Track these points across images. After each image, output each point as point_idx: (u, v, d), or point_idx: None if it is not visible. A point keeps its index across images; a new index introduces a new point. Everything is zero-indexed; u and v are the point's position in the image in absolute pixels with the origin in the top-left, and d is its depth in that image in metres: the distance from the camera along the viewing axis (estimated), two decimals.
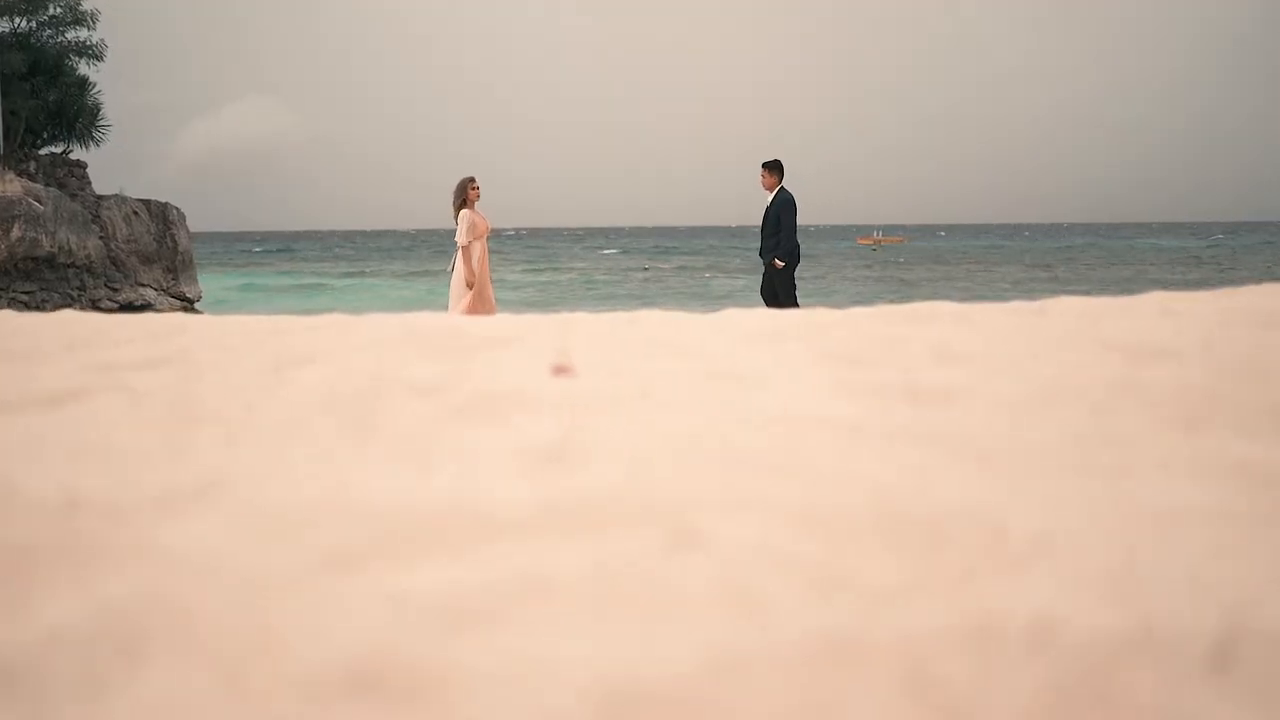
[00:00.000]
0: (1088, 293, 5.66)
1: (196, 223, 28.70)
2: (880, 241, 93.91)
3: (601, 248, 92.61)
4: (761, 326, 3.99)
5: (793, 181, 12.08)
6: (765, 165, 12.10)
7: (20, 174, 25.23)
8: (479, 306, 11.15)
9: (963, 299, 5.09)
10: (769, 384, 2.86)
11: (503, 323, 4.42)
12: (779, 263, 11.81)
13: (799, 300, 12.07)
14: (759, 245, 12.23)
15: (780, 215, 11.84)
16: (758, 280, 12.71)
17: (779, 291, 11.92)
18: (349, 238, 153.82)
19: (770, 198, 12.00)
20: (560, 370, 2.98)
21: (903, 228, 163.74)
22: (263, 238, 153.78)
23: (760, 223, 12.13)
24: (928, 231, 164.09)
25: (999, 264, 63.09)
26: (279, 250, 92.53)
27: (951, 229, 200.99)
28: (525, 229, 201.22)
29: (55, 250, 23.22)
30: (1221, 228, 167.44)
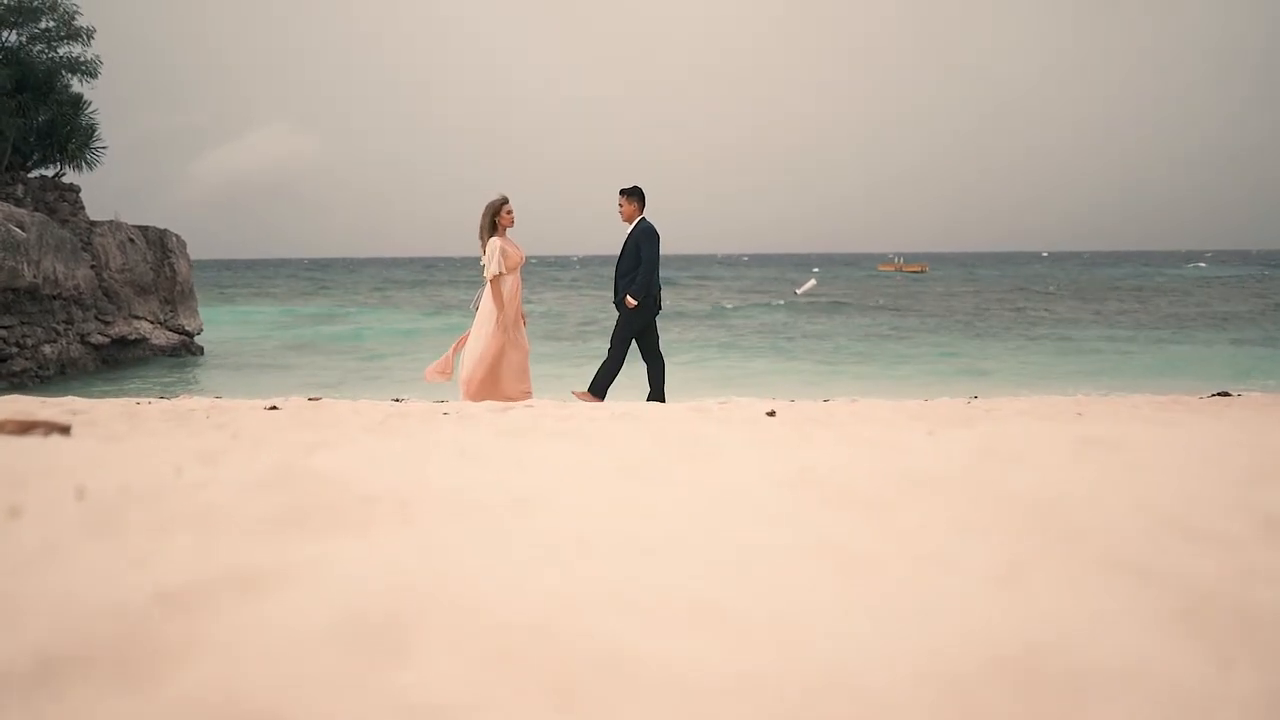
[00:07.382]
0: None
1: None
2: (901, 268, 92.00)
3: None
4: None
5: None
6: (624, 192, 10.17)
7: (6, 197, 23.22)
8: (513, 367, 9.10)
9: None
10: None
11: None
12: (631, 300, 9.88)
13: (662, 353, 10.13)
14: (617, 285, 10.18)
15: (640, 245, 9.96)
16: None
17: (637, 339, 9.99)
18: (370, 265, 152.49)
19: (629, 230, 10.08)
20: None
21: (922, 256, 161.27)
22: (282, 265, 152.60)
23: (617, 258, 10.21)
24: (950, 260, 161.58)
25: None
26: (299, 278, 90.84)
27: (966, 258, 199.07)
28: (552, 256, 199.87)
29: (39, 280, 21.12)
30: None
